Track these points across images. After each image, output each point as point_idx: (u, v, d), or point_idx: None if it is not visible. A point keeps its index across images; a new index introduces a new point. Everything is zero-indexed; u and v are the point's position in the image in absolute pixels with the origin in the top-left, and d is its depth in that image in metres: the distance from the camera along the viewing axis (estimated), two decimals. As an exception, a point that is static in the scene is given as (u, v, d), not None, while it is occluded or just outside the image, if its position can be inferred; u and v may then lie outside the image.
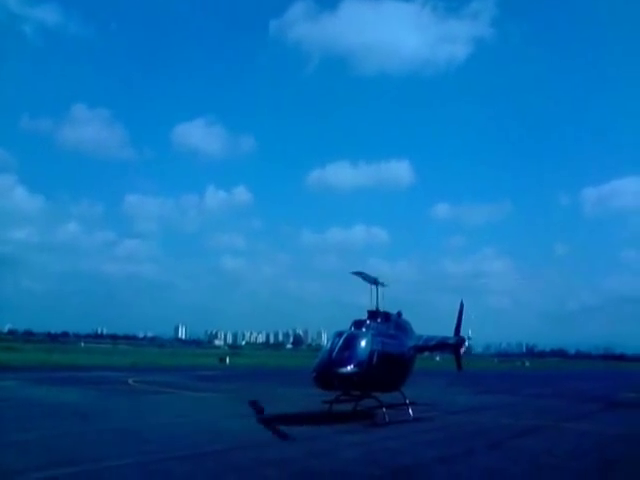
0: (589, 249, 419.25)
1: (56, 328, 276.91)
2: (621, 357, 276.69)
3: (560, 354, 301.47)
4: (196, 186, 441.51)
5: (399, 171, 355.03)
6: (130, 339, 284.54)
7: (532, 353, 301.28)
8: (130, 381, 41.52)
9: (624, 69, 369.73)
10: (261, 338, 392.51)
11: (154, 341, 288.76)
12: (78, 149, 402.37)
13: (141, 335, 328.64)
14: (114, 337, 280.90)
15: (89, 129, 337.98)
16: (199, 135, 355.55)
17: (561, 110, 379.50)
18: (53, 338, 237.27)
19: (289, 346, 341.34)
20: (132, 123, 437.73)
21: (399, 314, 26.57)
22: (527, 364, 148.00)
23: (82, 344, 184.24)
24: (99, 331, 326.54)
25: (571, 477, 14.32)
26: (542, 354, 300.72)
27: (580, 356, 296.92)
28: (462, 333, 32.30)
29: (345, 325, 23.79)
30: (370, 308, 24.93)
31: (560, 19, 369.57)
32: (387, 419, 22.53)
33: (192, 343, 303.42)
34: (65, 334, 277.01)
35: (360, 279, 25.20)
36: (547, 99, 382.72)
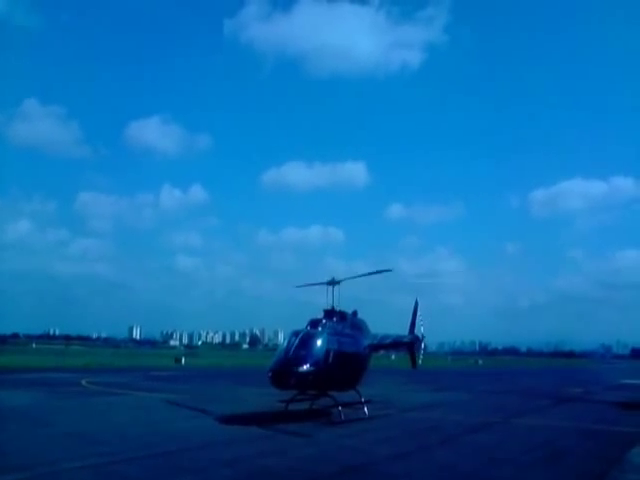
0: (538, 249, 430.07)
1: (6, 329, 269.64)
2: (570, 354, 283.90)
3: (512, 352, 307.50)
4: (151, 184, 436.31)
5: (355, 172, 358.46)
6: (84, 340, 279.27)
7: (485, 351, 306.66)
8: (83, 382, 40.82)
9: (574, 73, 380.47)
10: (217, 338, 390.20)
11: (108, 342, 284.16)
12: (30, 145, 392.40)
13: (95, 336, 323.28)
14: (67, 338, 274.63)
15: (41, 125, 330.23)
16: (155, 133, 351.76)
17: (511, 114, 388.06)
18: (3, 340, 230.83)
19: (245, 346, 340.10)
20: (86, 120, 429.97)
21: (355, 313, 26.78)
22: (480, 362, 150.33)
23: (34, 345, 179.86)
24: (51, 332, 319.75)
25: (522, 470, 14.69)
26: (495, 352, 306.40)
27: (531, 354, 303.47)
28: (416, 332, 32.84)
29: (302, 324, 23.88)
30: (326, 307, 25.08)
31: (511, 24, 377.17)
32: (343, 417, 22.71)
33: (147, 343, 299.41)
34: (15, 335, 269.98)
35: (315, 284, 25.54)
36: (498, 103, 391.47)
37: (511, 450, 17.70)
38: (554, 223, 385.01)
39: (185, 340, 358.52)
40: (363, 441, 18.87)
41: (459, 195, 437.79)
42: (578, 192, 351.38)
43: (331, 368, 22.31)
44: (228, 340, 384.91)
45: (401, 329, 32.48)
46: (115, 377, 48.90)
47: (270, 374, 21.66)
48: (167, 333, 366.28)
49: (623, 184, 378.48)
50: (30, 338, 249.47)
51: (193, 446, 16.78)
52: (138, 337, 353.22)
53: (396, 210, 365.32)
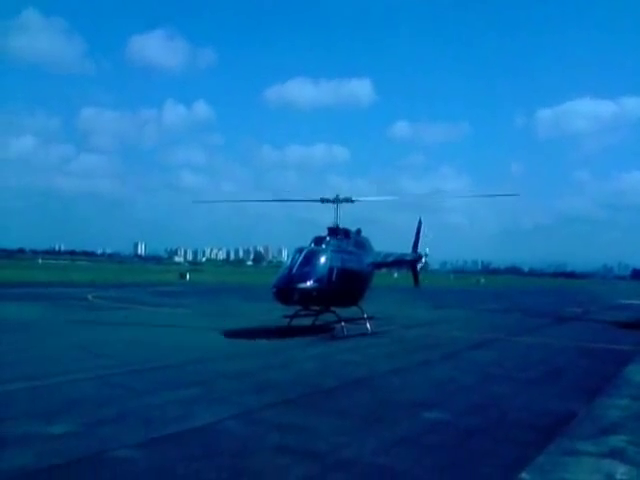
0: (543, 169, 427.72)
1: (12, 244, 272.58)
2: (572, 274, 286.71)
3: (514, 271, 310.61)
4: (155, 100, 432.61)
5: (360, 89, 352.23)
6: (89, 255, 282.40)
7: (487, 270, 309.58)
8: (89, 297, 41.44)
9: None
10: (222, 255, 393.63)
11: (113, 257, 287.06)
12: (32, 60, 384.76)
13: (99, 251, 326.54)
14: (72, 253, 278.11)
15: (43, 38, 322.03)
16: (158, 47, 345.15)
17: (518, 30, 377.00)
18: (9, 254, 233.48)
19: (250, 263, 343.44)
20: (89, 33, 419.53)
21: (358, 231, 26.78)
22: (482, 281, 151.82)
23: (39, 260, 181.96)
24: (56, 247, 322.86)
25: (519, 385, 14.96)
26: (497, 271, 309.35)
27: (533, 273, 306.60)
28: (419, 250, 32.90)
29: (306, 242, 23.90)
30: (330, 225, 25.04)
31: None
32: (345, 333, 23.07)
33: (152, 259, 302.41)
34: (21, 250, 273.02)
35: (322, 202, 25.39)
36: (506, 18, 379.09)
37: (509, 367, 17.99)
38: (560, 143, 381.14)
39: (189, 257, 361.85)
40: (365, 356, 19.20)
41: (465, 114, 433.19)
42: (586, 112, 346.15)
43: (334, 285, 22.48)
44: (232, 257, 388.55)
45: (404, 248, 32.56)
46: (121, 292, 49.61)
47: (274, 290, 21.89)
48: (171, 250, 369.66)
49: (633, 104, 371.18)
50: (36, 253, 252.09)
51: (197, 359, 17.09)
52: (143, 253, 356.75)
53: (401, 128, 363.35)
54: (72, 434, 9.18)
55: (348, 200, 25.44)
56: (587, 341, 25.25)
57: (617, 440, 9.85)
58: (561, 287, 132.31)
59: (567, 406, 12.45)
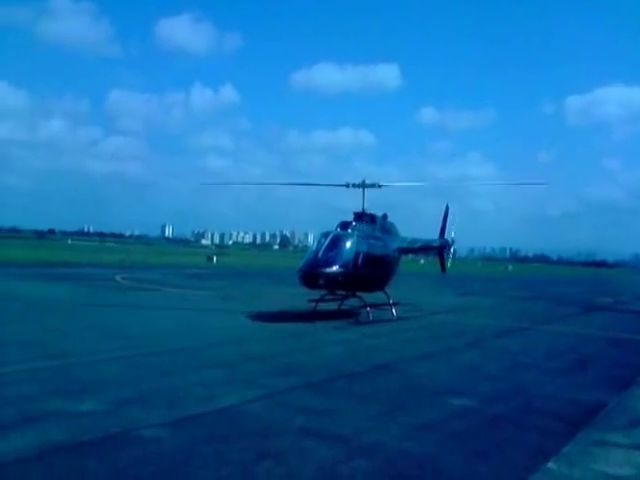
0: (573, 157, 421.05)
1: (42, 225, 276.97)
2: (602, 263, 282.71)
3: (543, 259, 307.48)
4: (182, 83, 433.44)
5: (387, 74, 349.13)
6: (117, 237, 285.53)
7: (515, 258, 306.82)
8: (118, 278, 41.89)
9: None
10: (248, 238, 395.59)
11: (141, 239, 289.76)
12: (61, 43, 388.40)
13: (128, 233, 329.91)
14: (101, 235, 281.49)
15: (72, 22, 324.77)
16: (186, 31, 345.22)
17: (548, 17, 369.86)
18: (40, 235, 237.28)
19: (276, 247, 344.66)
20: (117, 17, 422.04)
21: (385, 216, 26.59)
22: (510, 268, 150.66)
23: (69, 241, 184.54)
24: (85, 229, 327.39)
25: (546, 374, 14.78)
26: (525, 259, 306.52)
27: (562, 262, 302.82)
28: (446, 237, 32.62)
29: (331, 226, 23.83)
30: (356, 210, 24.91)
31: None
32: (371, 318, 23.03)
33: (179, 242, 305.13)
34: (51, 231, 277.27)
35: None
36: (535, 7, 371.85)
37: (536, 355, 17.80)
38: (590, 131, 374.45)
39: (216, 240, 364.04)
40: (390, 341, 19.15)
41: (492, 100, 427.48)
42: (616, 99, 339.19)
43: (360, 269, 22.41)
44: (259, 241, 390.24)
45: (431, 234, 32.30)
46: (148, 274, 50.05)
47: (300, 274, 21.90)
48: (198, 232, 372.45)
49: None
50: (65, 234, 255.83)
51: (223, 341, 17.20)
52: (170, 236, 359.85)
53: (428, 114, 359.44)
54: (100, 412, 9.28)
55: (375, 185, 25.27)
56: (617, 331, 24.89)
57: (648, 432, 9.67)
58: (591, 276, 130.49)
59: (596, 396, 12.25)
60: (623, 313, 34.45)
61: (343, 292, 23.83)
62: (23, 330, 17.41)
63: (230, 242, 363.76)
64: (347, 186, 25.34)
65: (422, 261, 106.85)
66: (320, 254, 22.00)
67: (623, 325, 27.56)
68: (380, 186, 25.41)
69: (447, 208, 32.89)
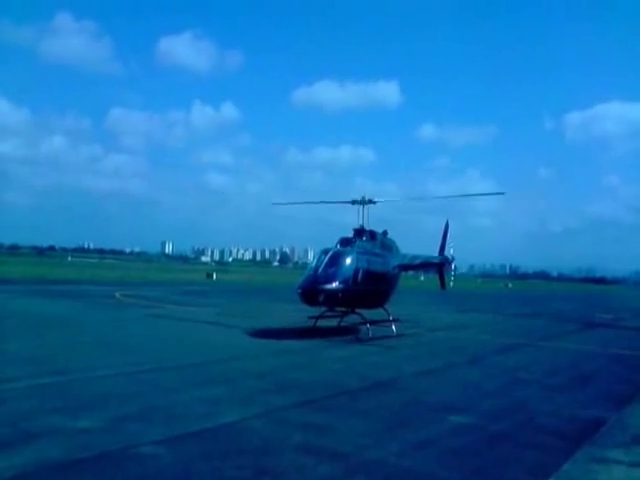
0: (572, 173, 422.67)
1: (42, 242, 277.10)
2: (602, 280, 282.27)
3: (543, 276, 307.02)
4: (183, 101, 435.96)
5: (387, 91, 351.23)
6: (117, 254, 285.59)
7: (515, 275, 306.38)
8: (117, 295, 41.86)
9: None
10: (248, 255, 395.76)
11: (141, 256, 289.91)
12: (62, 61, 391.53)
13: (128, 250, 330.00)
14: (101, 252, 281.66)
15: (74, 41, 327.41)
16: (186, 49, 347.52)
17: (547, 33, 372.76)
18: (40, 252, 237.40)
19: (276, 264, 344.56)
20: (118, 35, 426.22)
21: (385, 233, 26.64)
22: (510, 285, 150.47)
23: (69, 258, 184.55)
24: (86, 245, 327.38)
25: (547, 390, 14.73)
26: (525, 276, 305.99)
27: (562, 278, 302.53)
28: (446, 253, 32.64)
29: (331, 243, 23.84)
30: (356, 227, 24.96)
31: None
32: (371, 335, 22.96)
33: (179, 259, 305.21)
34: (51, 248, 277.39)
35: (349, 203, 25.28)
36: (535, 22, 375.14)
37: (537, 371, 17.74)
38: (589, 147, 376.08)
39: (216, 256, 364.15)
40: (390, 358, 19.11)
41: (492, 117, 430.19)
42: (615, 115, 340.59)
43: (360, 286, 22.41)
44: (259, 257, 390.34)
45: (431, 250, 32.32)
46: (148, 290, 50.03)
47: (300, 291, 21.87)
48: (198, 249, 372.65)
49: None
50: (65, 251, 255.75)
51: (223, 358, 17.17)
52: (170, 252, 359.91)
53: (428, 131, 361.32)
54: (98, 429, 9.25)
55: (372, 201, 25.32)
56: (617, 347, 24.83)
57: (648, 449, 9.63)
58: (591, 293, 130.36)
59: (596, 413, 12.22)
60: (623, 330, 34.38)
61: (343, 309, 23.81)
62: (22, 347, 17.37)
63: (230, 259, 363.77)
64: (353, 203, 25.38)
65: (422, 277, 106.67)
66: (320, 271, 22.00)
67: (623, 342, 27.49)
68: (375, 202, 25.40)
69: (447, 225, 32.96)
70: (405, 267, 28.77)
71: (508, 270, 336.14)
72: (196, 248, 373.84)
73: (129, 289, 49.62)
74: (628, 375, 18.04)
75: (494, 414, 11.79)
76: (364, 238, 24.52)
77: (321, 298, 21.86)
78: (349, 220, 25.58)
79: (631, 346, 25.71)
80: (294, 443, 9.04)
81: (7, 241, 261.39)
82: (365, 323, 23.59)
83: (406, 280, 37.46)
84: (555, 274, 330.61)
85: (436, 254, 32.28)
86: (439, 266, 32.90)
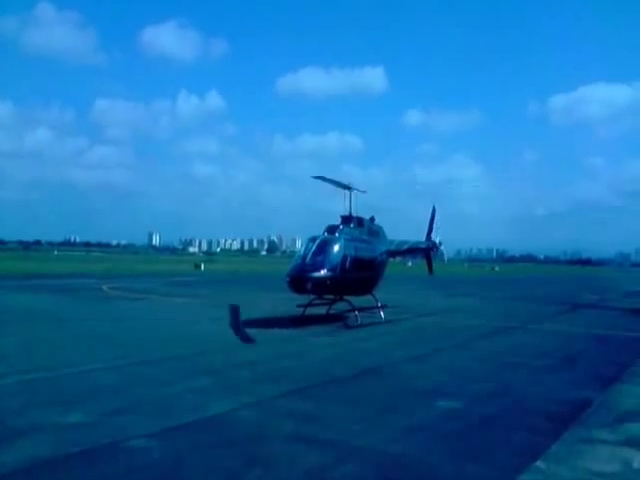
0: (557, 156, 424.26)
1: (28, 236, 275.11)
2: (587, 262, 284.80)
3: (529, 259, 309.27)
4: (168, 91, 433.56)
5: (373, 77, 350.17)
6: (103, 247, 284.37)
7: (502, 258, 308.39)
8: (104, 288, 41.68)
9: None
10: (236, 245, 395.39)
11: (128, 249, 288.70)
12: (46, 53, 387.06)
13: (114, 243, 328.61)
14: (87, 245, 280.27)
15: (57, 31, 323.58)
16: (171, 38, 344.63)
17: (530, 15, 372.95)
18: (26, 246, 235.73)
19: (264, 253, 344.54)
20: (101, 26, 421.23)
21: (372, 219, 26.68)
22: (497, 269, 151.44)
23: (55, 252, 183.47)
24: (72, 239, 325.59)
25: (534, 373, 14.85)
26: (512, 259, 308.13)
27: (549, 261, 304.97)
28: (433, 238, 32.73)
29: (319, 231, 23.86)
30: (343, 214, 24.95)
31: None
32: (359, 321, 23.04)
33: (166, 250, 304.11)
34: (37, 242, 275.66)
35: (329, 184, 24.93)
36: (519, 4, 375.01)
37: (525, 354, 17.86)
38: (574, 130, 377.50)
39: (204, 247, 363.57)
40: (379, 344, 19.19)
41: (477, 101, 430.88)
42: (600, 97, 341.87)
43: (348, 273, 22.46)
44: (246, 247, 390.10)
45: (418, 236, 32.40)
46: (135, 282, 49.86)
47: (288, 279, 21.89)
48: (186, 240, 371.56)
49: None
50: (52, 245, 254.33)
51: (211, 349, 17.16)
52: (157, 244, 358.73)
53: (413, 116, 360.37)
54: (87, 423, 9.23)
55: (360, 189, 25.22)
56: (603, 328, 25.07)
57: (634, 428, 9.75)
58: (577, 274, 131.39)
59: (582, 394, 12.34)
60: (608, 310, 34.68)
61: (331, 296, 23.85)
62: (9, 342, 17.28)
63: (218, 249, 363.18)
64: (348, 188, 25.10)
65: (410, 263, 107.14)
66: (307, 259, 22.03)
67: (608, 322, 27.75)
68: (355, 189, 25.26)
69: (434, 210, 33.02)
70: (393, 253, 28.87)
71: (495, 254, 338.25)
72: (183, 239, 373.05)
73: (116, 281, 49.40)
74: (613, 356, 18.19)
75: (483, 398, 11.87)
76: (351, 225, 24.54)
77: (309, 286, 21.89)
78: (336, 208, 25.55)
79: (616, 326, 25.95)
80: (284, 432, 9.07)
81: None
82: (353, 310, 23.66)
83: (394, 266, 37.54)
84: (542, 257, 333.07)
85: (424, 239, 32.36)
86: (426, 251, 33.01)
